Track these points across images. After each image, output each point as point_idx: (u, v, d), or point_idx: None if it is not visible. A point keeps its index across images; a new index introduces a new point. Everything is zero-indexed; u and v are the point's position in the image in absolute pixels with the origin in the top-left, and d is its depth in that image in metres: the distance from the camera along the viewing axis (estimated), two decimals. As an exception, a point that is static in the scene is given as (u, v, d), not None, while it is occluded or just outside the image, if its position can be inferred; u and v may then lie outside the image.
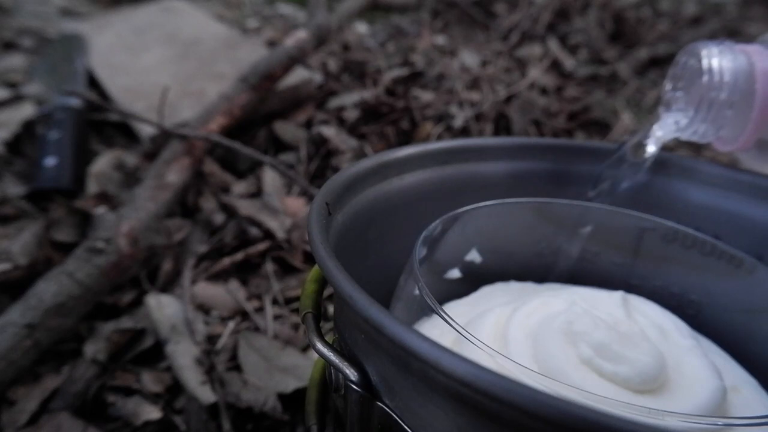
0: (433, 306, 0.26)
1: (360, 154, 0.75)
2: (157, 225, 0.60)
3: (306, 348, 0.52)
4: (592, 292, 0.33)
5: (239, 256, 0.60)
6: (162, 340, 0.50)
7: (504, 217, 0.37)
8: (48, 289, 0.48)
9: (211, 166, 0.73)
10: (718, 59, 0.33)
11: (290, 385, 0.47)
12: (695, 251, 0.35)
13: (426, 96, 0.91)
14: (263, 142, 0.80)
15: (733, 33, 1.39)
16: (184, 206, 0.68)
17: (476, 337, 0.24)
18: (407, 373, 0.21)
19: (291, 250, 0.62)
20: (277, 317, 0.55)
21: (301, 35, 0.85)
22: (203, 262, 0.61)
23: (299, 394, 0.46)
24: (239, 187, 0.72)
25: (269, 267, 0.60)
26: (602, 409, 0.16)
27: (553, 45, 1.23)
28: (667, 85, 0.38)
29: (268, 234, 0.63)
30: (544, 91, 1.01)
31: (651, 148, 0.37)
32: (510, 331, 0.28)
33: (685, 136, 0.36)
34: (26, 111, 0.78)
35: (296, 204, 0.68)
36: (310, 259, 0.61)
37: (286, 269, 0.61)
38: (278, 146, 0.80)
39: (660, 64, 1.22)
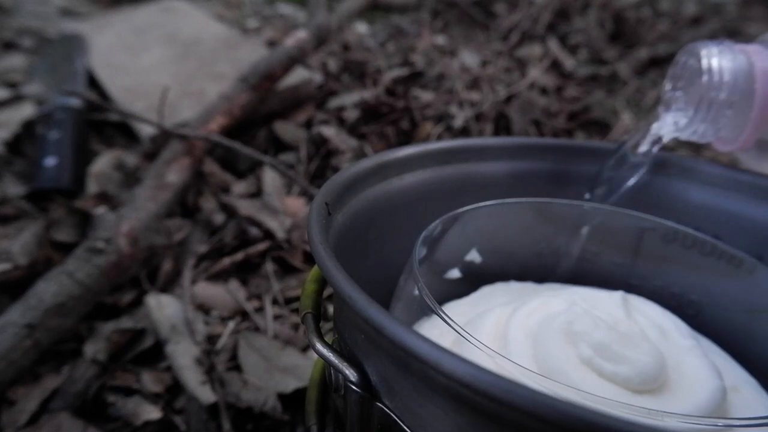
0: (433, 306, 0.26)
1: (360, 154, 0.75)
2: (157, 225, 0.60)
3: (306, 348, 0.52)
4: (592, 292, 0.33)
5: (239, 256, 0.60)
6: (162, 340, 0.50)
7: (504, 217, 0.37)
8: (48, 289, 0.48)
9: (211, 166, 0.73)
10: (717, 59, 0.33)
11: (290, 385, 0.47)
12: (695, 251, 0.35)
13: (426, 96, 0.91)
14: (263, 142, 0.80)
15: (733, 33, 1.39)
16: (184, 206, 0.68)
17: (476, 337, 0.24)
18: (407, 374, 0.21)
19: (291, 250, 0.62)
20: (277, 317, 0.55)
21: (301, 35, 0.85)
22: (203, 262, 0.61)
23: (299, 394, 0.46)
24: (239, 187, 0.72)
25: (269, 267, 0.60)
26: (602, 409, 0.16)
27: (553, 45, 1.23)
28: (667, 85, 0.38)
29: (268, 234, 0.63)
30: (544, 91, 1.01)
31: (651, 148, 0.37)
32: (510, 331, 0.28)
33: (684, 136, 0.36)
34: (26, 111, 0.78)
35: (296, 204, 0.69)
36: (310, 259, 0.61)
37: (286, 269, 0.61)
38: (278, 146, 0.80)
39: (660, 64, 1.22)
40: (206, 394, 0.46)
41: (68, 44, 0.96)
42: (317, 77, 0.93)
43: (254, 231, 0.63)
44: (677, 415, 0.22)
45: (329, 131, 0.78)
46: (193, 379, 0.47)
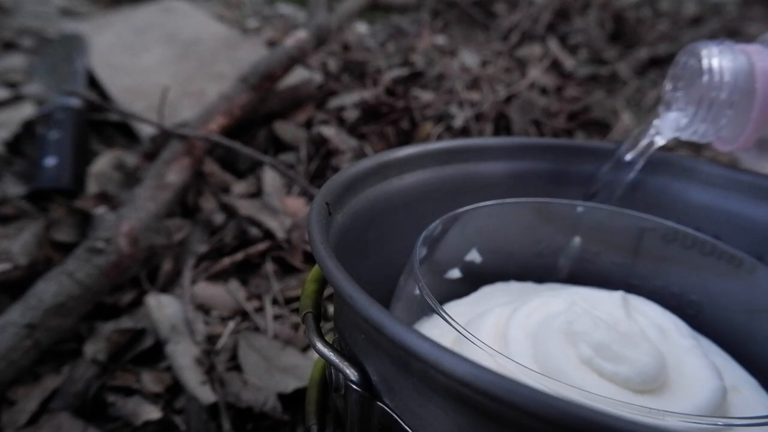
0: (434, 306, 0.26)
1: (360, 154, 0.75)
2: (157, 225, 0.60)
3: (306, 348, 0.52)
4: (592, 292, 0.33)
5: (239, 256, 0.60)
6: (162, 340, 0.50)
7: (504, 217, 0.37)
8: (48, 289, 0.48)
9: (211, 166, 0.73)
10: (718, 59, 0.33)
11: (290, 385, 0.47)
12: (695, 251, 0.35)
13: (426, 96, 0.91)
14: (263, 142, 0.80)
15: (733, 33, 1.39)
16: (184, 206, 0.68)
17: (476, 337, 0.24)
18: (407, 373, 0.21)
19: (291, 250, 0.62)
20: (277, 317, 0.55)
21: (301, 35, 0.85)
22: (203, 262, 0.61)
23: (299, 394, 0.46)
24: (239, 187, 0.72)
25: (269, 267, 0.60)
26: (602, 409, 0.16)
27: (553, 45, 1.23)
28: (667, 85, 0.38)
29: (268, 234, 0.63)
30: (544, 91, 1.01)
31: (651, 148, 0.37)
32: (510, 331, 0.28)
33: (685, 135, 0.36)
34: (26, 111, 0.78)
35: (296, 204, 0.69)
36: (310, 259, 0.61)
37: (286, 269, 0.61)
38: (278, 146, 0.80)
39: (660, 64, 1.22)
40: (206, 394, 0.46)
41: (68, 44, 0.96)
42: (317, 77, 0.93)
43: (254, 231, 0.63)
44: (678, 414, 0.22)
45: (329, 131, 0.78)
46: (193, 379, 0.47)
